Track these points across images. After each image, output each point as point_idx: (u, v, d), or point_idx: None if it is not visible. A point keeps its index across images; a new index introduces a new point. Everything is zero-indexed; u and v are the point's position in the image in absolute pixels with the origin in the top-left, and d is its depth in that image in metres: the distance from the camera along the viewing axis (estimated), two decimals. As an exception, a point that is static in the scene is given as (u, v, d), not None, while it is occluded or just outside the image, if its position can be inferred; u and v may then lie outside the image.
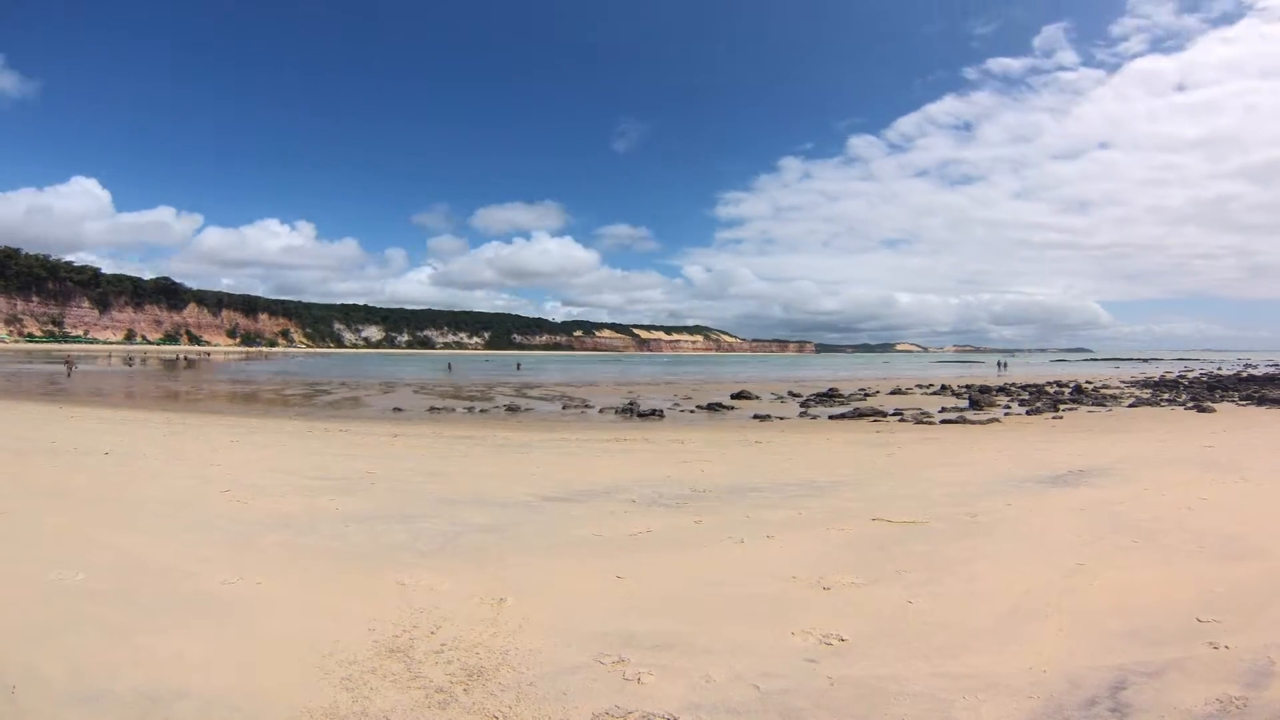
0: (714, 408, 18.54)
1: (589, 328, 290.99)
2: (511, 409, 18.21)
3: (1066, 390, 23.87)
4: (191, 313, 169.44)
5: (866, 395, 22.66)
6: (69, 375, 30.64)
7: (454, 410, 17.76)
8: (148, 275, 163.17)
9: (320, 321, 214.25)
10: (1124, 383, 29.21)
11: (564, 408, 18.86)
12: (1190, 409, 16.86)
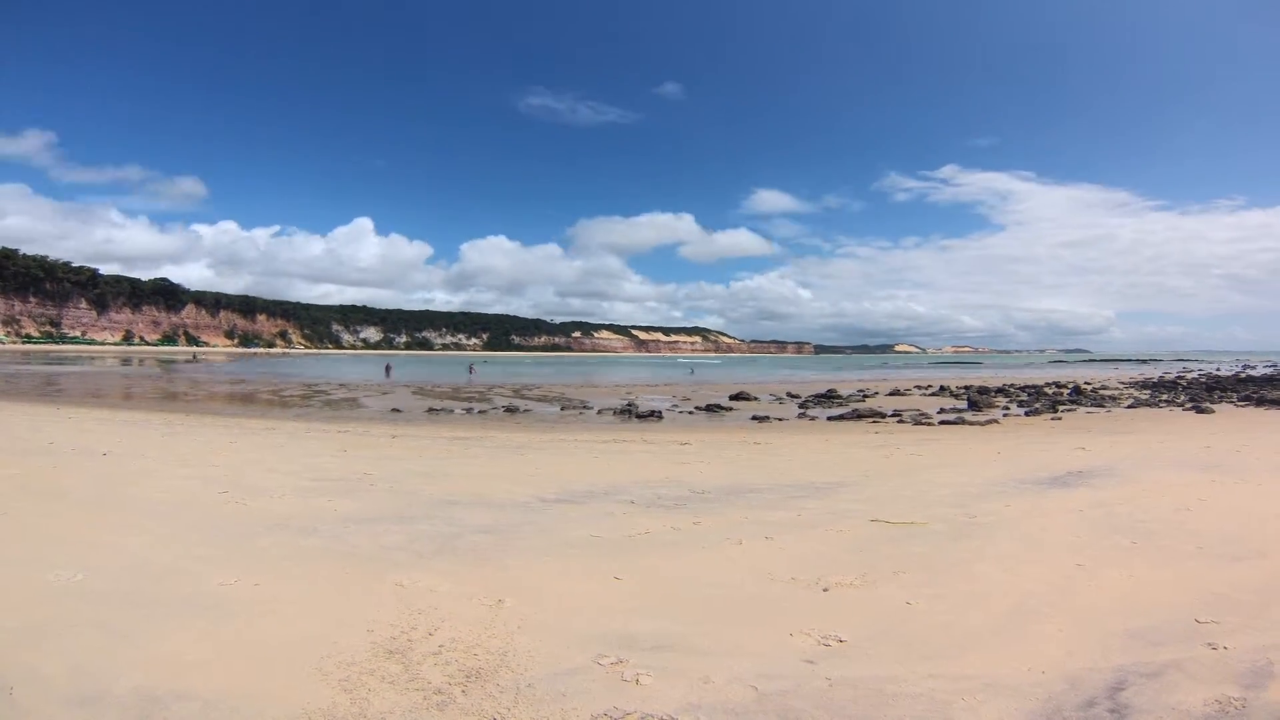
0: (713, 409, 18.53)
1: (588, 328, 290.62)
2: (510, 410, 18.19)
3: (1065, 391, 23.89)
4: (190, 314, 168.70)
5: (865, 396, 22.67)
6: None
7: (452, 411, 17.74)
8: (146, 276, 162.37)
9: (318, 323, 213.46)
10: (1123, 384, 29.24)
11: (562, 409, 18.85)
12: (1189, 410, 16.89)
